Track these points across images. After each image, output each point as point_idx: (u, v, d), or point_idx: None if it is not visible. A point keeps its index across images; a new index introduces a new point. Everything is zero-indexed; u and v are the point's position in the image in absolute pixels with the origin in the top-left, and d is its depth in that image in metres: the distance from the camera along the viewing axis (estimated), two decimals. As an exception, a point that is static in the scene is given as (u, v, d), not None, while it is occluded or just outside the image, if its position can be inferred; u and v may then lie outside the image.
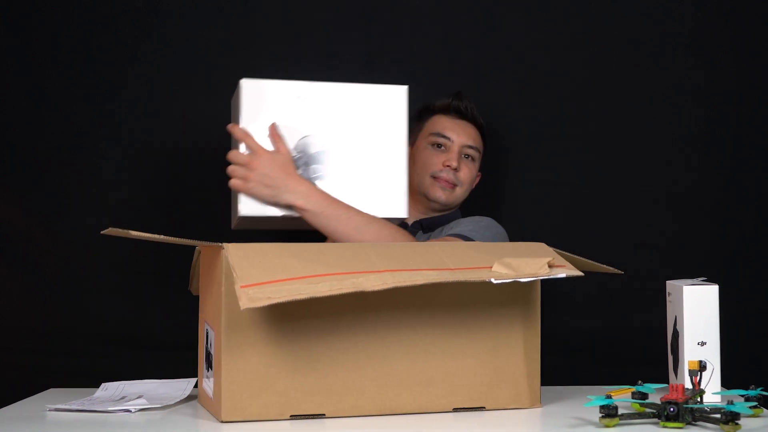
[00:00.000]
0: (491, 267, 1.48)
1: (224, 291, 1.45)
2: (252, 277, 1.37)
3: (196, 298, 1.70)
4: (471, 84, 2.34)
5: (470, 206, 2.14)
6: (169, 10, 2.33)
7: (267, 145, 1.78)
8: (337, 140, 1.80)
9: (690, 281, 1.65)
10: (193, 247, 1.66)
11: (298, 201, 1.76)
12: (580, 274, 1.52)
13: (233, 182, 1.77)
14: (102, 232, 1.50)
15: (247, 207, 1.78)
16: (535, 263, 1.49)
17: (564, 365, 2.26)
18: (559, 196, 2.34)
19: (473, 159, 2.13)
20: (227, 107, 2.36)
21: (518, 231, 2.09)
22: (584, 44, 2.35)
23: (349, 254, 1.48)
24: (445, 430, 1.47)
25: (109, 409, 1.55)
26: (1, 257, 2.30)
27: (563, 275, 1.48)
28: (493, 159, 2.35)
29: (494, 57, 2.35)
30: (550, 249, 1.60)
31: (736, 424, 1.36)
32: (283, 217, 1.80)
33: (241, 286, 1.34)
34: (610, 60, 2.35)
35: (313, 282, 1.38)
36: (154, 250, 2.05)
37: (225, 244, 1.45)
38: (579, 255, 2.27)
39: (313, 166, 1.80)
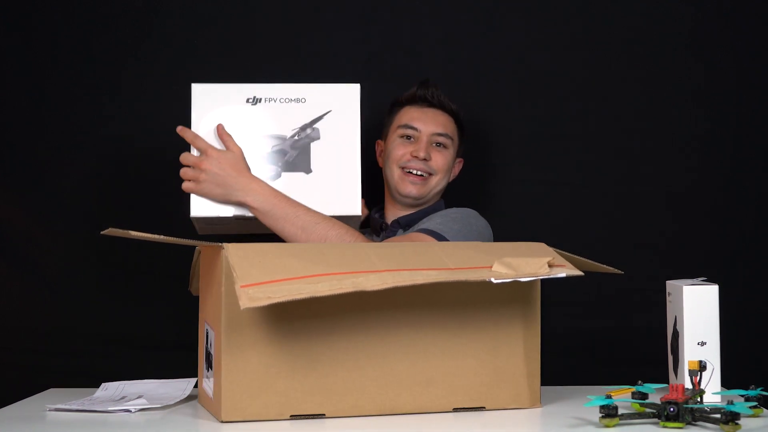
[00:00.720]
0: (491, 267, 1.48)
1: (224, 291, 1.45)
2: (252, 277, 1.37)
3: (196, 298, 1.70)
4: (471, 84, 2.34)
5: (469, 206, 2.14)
6: (169, 10, 2.33)
7: (220, 146, 1.83)
8: (291, 140, 1.83)
9: (690, 281, 1.65)
10: (193, 248, 1.66)
11: (248, 198, 1.78)
12: (580, 273, 1.52)
13: (185, 185, 1.81)
14: (102, 233, 1.50)
15: (198, 208, 1.82)
16: (535, 263, 1.49)
17: (564, 365, 2.26)
18: (559, 196, 2.34)
19: (445, 146, 2.08)
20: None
21: (518, 231, 2.09)
22: (584, 44, 2.35)
23: (349, 254, 1.48)
24: (445, 430, 1.47)
25: (109, 409, 1.55)
26: (1, 257, 2.30)
27: (563, 275, 1.48)
28: (493, 159, 2.35)
29: (494, 57, 2.35)
30: (550, 249, 1.60)
31: (736, 424, 1.36)
32: (236, 218, 1.82)
33: (241, 286, 1.34)
34: (610, 60, 2.35)
35: (313, 282, 1.38)
36: (154, 250, 2.04)
37: (225, 244, 1.45)
38: (579, 255, 2.27)
39: (268, 166, 1.83)
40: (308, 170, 1.83)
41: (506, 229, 2.04)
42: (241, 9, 2.34)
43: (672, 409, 1.39)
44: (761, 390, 1.51)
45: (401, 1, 2.37)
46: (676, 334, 1.63)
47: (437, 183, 2.07)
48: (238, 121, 1.82)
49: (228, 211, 1.81)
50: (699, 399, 1.50)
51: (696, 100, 2.35)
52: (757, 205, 2.34)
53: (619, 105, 2.35)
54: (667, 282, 1.72)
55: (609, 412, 1.40)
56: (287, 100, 1.84)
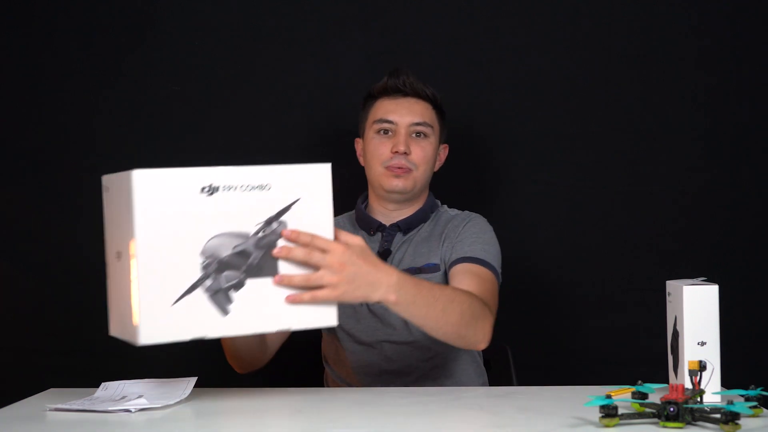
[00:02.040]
0: None
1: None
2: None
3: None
4: (471, 84, 2.34)
5: (470, 206, 2.13)
6: (170, 10, 2.33)
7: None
8: (254, 238, 1.49)
9: (690, 281, 1.65)
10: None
11: (391, 296, 1.53)
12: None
13: (322, 293, 1.48)
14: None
15: (150, 333, 1.45)
16: None
17: (564, 365, 2.26)
18: (559, 196, 2.34)
19: (426, 135, 1.98)
20: (228, 107, 2.37)
21: (518, 231, 2.09)
22: (585, 45, 2.35)
23: None
24: (445, 430, 1.47)
25: (109, 409, 1.55)
26: (1, 257, 2.30)
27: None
28: (493, 159, 2.35)
29: (494, 57, 2.35)
30: None
31: (736, 424, 1.36)
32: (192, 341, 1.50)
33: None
34: (611, 61, 2.35)
35: None
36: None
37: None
38: (578, 255, 2.27)
39: (227, 273, 1.48)
40: (276, 274, 1.49)
41: (506, 229, 2.04)
42: (241, 9, 2.34)
43: (672, 409, 1.39)
44: (761, 390, 1.51)
45: (401, 1, 2.37)
46: (676, 334, 1.63)
47: (421, 175, 1.97)
48: (191, 216, 1.46)
49: (184, 333, 1.46)
50: (699, 399, 1.49)
51: (696, 100, 2.36)
52: (757, 206, 2.34)
53: (619, 105, 2.36)
54: (667, 282, 1.72)
55: (609, 412, 1.39)
56: (249, 188, 1.50)
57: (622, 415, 1.41)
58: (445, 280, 1.92)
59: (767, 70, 2.35)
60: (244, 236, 1.48)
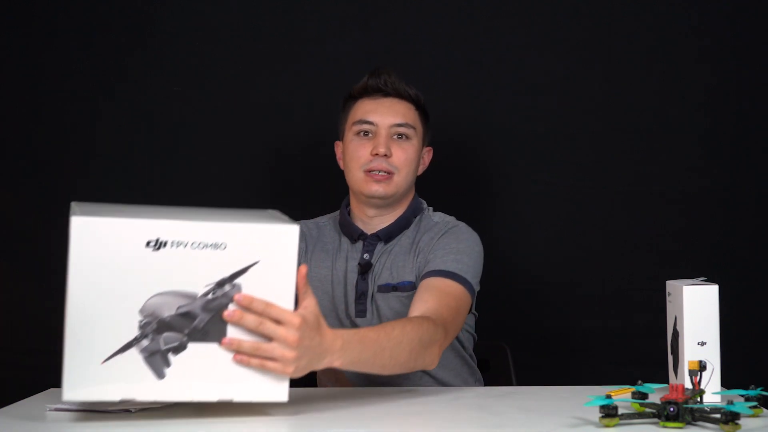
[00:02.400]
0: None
1: None
2: None
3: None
4: (471, 84, 2.34)
5: (470, 206, 2.13)
6: (170, 11, 2.33)
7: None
8: (202, 300, 1.37)
9: (690, 281, 1.65)
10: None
11: (336, 362, 1.44)
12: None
13: (272, 365, 1.37)
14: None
15: (74, 390, 1.39)
16: None
17: (564, 365, 2.26)
18: (559, 196, 2.34)
19: (408, 137, 1.90)
20: (228, 107, 2.37)
21: (518, 231, 2.09)
22: (586, 45, 2.35)
23: None
24: (445, 430, 1.47)
25: (109, 409, 1.55)
26: (1, 257, 2.30)
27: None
28: (493, 159, 2.35)
29: (494, 57, 2.35)
30: None
31: (736, 424, 1.36)
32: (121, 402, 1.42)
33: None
34: (611, 60, 2.35)
35: None
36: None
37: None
38: (578, 255, 2.27)
39: (167, 334, 1.37)
40: (221, 341, 1.37)
41: (506, 229, 2.05)
42: (241, 9, 2.34)
43: (672, 409, 1.39)
44: (761, 390, 1.51)
45: (401, 1, 2.37)
46: (676, 334, 1.63)
47: (403, 180, 1.90)
48: (133, 271, 1.34)
49: (112, 394, 1.37)
50: (699, 399, 1.49)
51: (696, 101, 2.36)
52: (757, 206, 2.34)
53: (620, 105, 2.36)
54: (667, 282, 1.72)
55: (609, 412, 1.39)
56: (201, 246, 1.35)
57: (622, 415, 1.41)
58: None
59: (767, 70, 2.35)
60: (190, 297, 1.36)
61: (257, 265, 1.37)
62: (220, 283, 1.36)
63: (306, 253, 1.98)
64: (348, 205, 2.00)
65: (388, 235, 1.93)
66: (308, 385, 2.10)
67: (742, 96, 2.35)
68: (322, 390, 1.86)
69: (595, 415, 1.43)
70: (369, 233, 1.94)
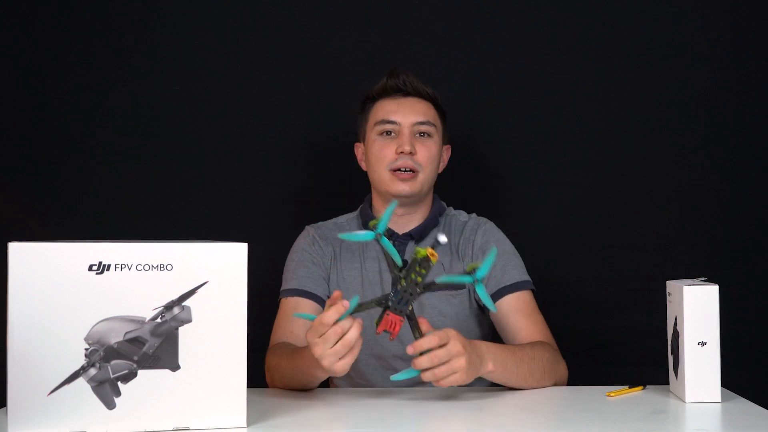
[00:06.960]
0: None
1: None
2: None
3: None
4: (471, 84, 2.34)
5: (470, 207, 2.13)
6: (170, 11, 2.33)
7: None
8: (151, 324, 1.34)
9: (690, 281, 1.65)
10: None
11: (491, 366, 1.61)
12: None
13: (453, 378, 1.52)
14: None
15: (25, 424, 1.30)
16: None
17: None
18: (559, 196, 2.34)
19: (430, 135, 1.92)
20: (228, 107, 2.37)
21: (518, 231, 2.09)
22: (586, 45, 2.35)
23: None
24: (445, 430, 1.47)
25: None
26: (1, 257, 2.30)
27: None
28: (493, 159, 2.35)
29: (494, 57, 2.35)
30: None
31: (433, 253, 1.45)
32: None
33: None
34: (611, 60, 2.35)
35: None
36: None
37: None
38: (578, 255, 2.27)
39: (115, 362, 1.32)
40: (175, 366, 1.34)
41: (507, 229, 2.04)
42: (241, 9, 2.34)
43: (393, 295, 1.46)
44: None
45: (401, 1, 2.37)
46: (676, 334, 1.63)
47: (427, 177, 1.91)
48: (75, 297, 1.30)
49: (60, 427, 1.31)
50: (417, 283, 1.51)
51: (696, 101, 2.35)
52: (757, 206, 2.34)
53: (620, 105, 2.36)
54: (667, 282, 1.72)
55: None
56: (147, 268, 1.32)
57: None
58: (470, 298, 1.91)
59: (767, 70, 2.35)
60: (138, 321, 1.32)
61: (206, 286, 1.34)
62: (168, 306, 1.33)
63: (335, 257, 1.95)
64: (370, 204, 2.00)
65: (420, 234, 1.94)
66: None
67: (743, 96, 2.35)
68: (322, 390, 1.86)
69: (597, 415, 1.43)
70: (400, 233, 1.95)
